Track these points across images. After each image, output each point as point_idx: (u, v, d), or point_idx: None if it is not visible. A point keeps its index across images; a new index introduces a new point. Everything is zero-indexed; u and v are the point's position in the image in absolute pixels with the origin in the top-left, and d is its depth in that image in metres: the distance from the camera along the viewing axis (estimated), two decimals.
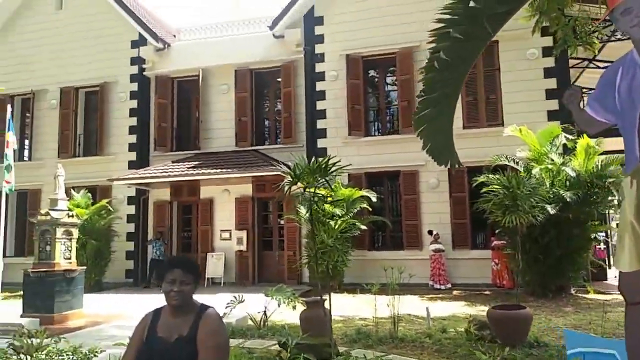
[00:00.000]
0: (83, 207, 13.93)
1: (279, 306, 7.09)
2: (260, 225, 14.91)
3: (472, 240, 13.00)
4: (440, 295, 11.22)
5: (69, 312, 8.07)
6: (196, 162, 14.49)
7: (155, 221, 15.48)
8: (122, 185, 15.19)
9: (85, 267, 9.16)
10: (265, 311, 7.35)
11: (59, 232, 8.07)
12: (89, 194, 14.62)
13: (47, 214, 8.05)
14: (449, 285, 12.21)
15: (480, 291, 11.58)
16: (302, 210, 10.71)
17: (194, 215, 15.79)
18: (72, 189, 14.58)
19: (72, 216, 8.41)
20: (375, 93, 15.26)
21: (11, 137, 11.53)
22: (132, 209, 15.67)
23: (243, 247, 14.42)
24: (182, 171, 14.12)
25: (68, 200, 14.07)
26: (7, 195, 11.69)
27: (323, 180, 4.57)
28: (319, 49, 14.53)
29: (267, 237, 14.99)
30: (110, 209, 14.51)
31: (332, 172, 4.31)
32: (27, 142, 17.49)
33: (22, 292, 8.28)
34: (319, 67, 14.50)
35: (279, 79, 15.30)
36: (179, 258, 2.42)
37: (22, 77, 16.80)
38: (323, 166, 4.28)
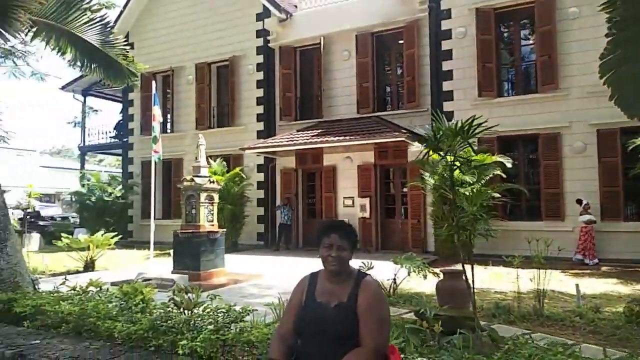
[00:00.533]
0: (219, 174, 14.99)
1: (409, 274, 6.94)
2: (382, 192, 14.79)
3: (624, 211, 11.52)
4: (587, 271, 10.16)
5: (213, 270, 8.78)
6: (319, 130, 14.69)
7: (282, 188, 16.17)
8: (251, 154, 16.06)
9: (225, 230, 9.85)
10: (394, 279, 7.26)
11: (202, 196, 8.75)
12: (224, 162, 15.67)
13: (192, 180, 8.75)
14: (596, 261, 11.01)
15: (633, 268, 10.28)
16: (428, 178, 10.30)
17: (317, 182, 16.19)
18: (209, 158, 15.79)
19: (213, 182, 9.05)
20: (508, 49, 13.98)
21: (157, 111, 12.67)
22: (261, 177, 16.55)
23: (366, 214, 14.44)
24: (305, 139, 14.43)
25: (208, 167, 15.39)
26: (155, 163, 12.96)
27: (464, 143, 4.20)
28: (444, 4, 13.64)
29: (389, 205, 14.83)
30: (243, 176, 15.43)
31: (478, 133, 3.94)
32: (169, 116, 19.23)
33: (171, 251, 9.16)
34: (445, 25, 13.64)
35: (401, 41, 14.72)
36: (337, 222, 2.30)
37: (162, 56, 18.36)
38: (466, 128, 3.92)
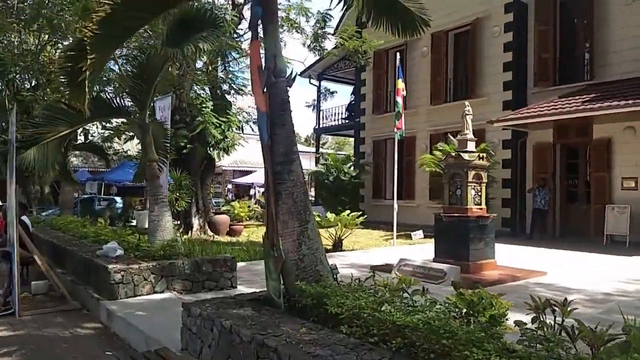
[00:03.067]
0: None
1: None
2: None
3: None
4: None
5: (482, 261, 7.48)
6: (589, 95, 11.91)
7: (534, 166, 13.85)
8: (496, 128, 14.14)
9: (495, 215, 8.41)
10: None
11: (470, 175, 7.48)
12: None
13: (458, 156, 7.55)
14: None
15: None
16: None
17: (582, 159, 13.37)
18: (449, 135, 14.48)
19: (482, 158, 7.69)
20: None
21: (401, 85, 11.86)
22: (507, 154, 14.49)
23: None
24: (571, 107, 11.85)
25: (448, 145, 14.10)
26: (396, 141, 12.22)
27: None
28: None
29: None
30: (492, 152, 13.64)
31: None
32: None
33: (412, 233, 8.13)
34: None
35: None
36: None
37: None
38: None
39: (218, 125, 13.33)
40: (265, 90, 3.74)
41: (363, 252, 10.96)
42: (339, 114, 22.60)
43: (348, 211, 11.57)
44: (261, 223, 19.86)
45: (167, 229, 6.65)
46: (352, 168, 17.77)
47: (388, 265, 7.89)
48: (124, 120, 9.86)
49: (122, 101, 6.45)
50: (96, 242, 7.90)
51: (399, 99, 11.82)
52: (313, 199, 24.00)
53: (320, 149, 41.35)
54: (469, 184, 7.54)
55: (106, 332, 5.01)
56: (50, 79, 18.40)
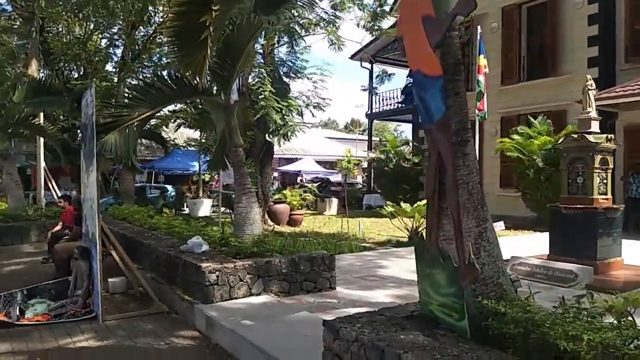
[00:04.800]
0: (544, 134, 12.35)
1: None
2: None
3: None
4: None
5: (610, 260, 6.45)
6: None
7: (626, 151, 12.50)
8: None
9: (623, 206, 7.31)
10: None
11: (597, 160, 6.42)
12: (549, 121, 12.88)
13: (582, 137, 6.49)
14: None
15: None
16: None
17: None
18: (523, 117, 13.33)
19: (610, 140, 6.60)
20: None
21: (482, 61, 10.75)
22: None
23: None
24: None
25: (529, 128, 12.92)
26: (478, 122, 11.16)
27: None
28: None
29: None
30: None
31: None
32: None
33: (548, 230, 7.15)
34: None
35: None
36: None
37: None
38: None
39: (279, 110, 12.57)
40: (436, 48, 2.86)
41: None
42: (393, 97, 21.50)
43: (425, 201, 10.61)
44: (315, 212, 19.15)
45: (256, 222, 5.93)
46: (412, 154, 16.74)
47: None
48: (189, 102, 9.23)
49: (204, 80, 5.71)
50: (170, 235, 7.30)
51: (481, 77, 10.73)
52: (363, 186, 23.11)
53: (360, 136, 40.27)
54: (594, 171, 6.48)
55: (208, 344, 4.30)
56: (97, 68, 18.16)
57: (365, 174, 27.80)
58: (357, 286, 5.91)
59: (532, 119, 12.92)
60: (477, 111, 10.82)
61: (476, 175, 3.06)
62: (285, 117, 13.02)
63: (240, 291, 5.02)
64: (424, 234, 3.19)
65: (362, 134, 46.48)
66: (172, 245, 6.25)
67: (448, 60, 2.96)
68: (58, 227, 8.33)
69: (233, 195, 15.99)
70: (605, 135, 6.64)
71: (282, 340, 3.79)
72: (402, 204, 10.81)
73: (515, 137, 12.71)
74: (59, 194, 13.11)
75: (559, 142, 7.35)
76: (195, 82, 5.50)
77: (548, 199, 12.19)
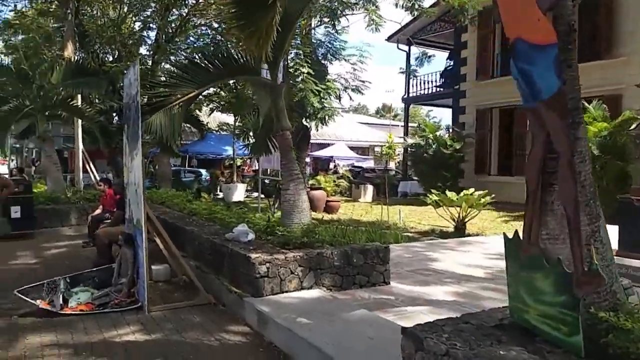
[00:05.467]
0: (600, 120, 11.59)
1: None
2: None
3: None
4: None
5: None
6: None
7: None
8: (636, 93, 11.97)
9: None
10: None
11: None
12: (604, 106, 12.08)
13: None
14: None
15: None
16: None
17: None
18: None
19: None
20: None
21: None
22: None
23: None
24: None
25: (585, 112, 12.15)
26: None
27: None
28: None
29: None
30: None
31: None
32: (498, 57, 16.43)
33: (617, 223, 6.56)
34: None
35: None
36: None
37: None
38: None
39: (317, 92, 12.14)
40: (547, 11, 2.41)
41: (497, 237, 9.47)
42: (431, 81, 20.76)
43: (472, 189, 10.09)
44: (349, 199, 18.76)
45: (304, 211, 5.59)
46: (453, 140, 16.09)
47: None
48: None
49: (250, 58, 5.35)
50: (211, 221, 7.05)
51: None
52: (396, 172, 22.54)
53: (393, 121, 39.52)
54: None
55: (261, 341, 4.00)
56: (131, 51, 18.08)
57: (398, 160, 27.21)
58: (411, 281, 5.52)
59: (586, 104, 12.13)
60: None
61: (589, 164, 2.60)
62: (322, 100, 12.60)
63: (291, 284, 4.71)
64: (520, 232, 2.75)
65: (393, 119, 45.66)
66: (216, 233, 5.99)
67: (560, 26, 2.51)
68: (98, 211, 8.22)
69: (267, 181, 15.81)
70: None
71: (343, 341, 3.45)
72: (447, 192, 10.31)
73: None
74: (97, 177, 13.13)
75: (632, 127, 6.72)
76: (243, 60, 5.14)
77: (603, 189, 11.49)
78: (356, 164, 27.83)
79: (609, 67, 13.09)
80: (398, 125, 35.29)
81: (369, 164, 30.77)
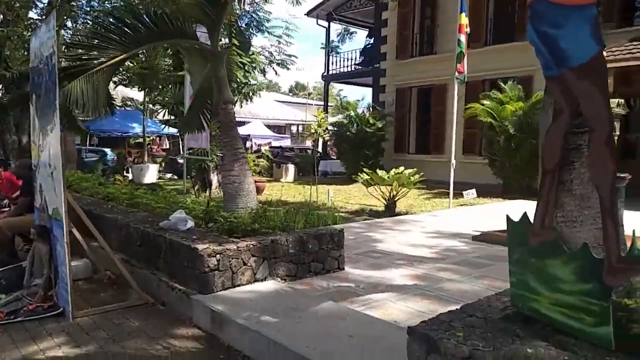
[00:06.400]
0: (516, 100, 12.20)
1: None
2: None
3: None
4: None
5: None
6: None
7: None
8: None
9: None
10: None
11: None
12: (519, 86, 12.72)
13: None
14: None
15: None
16: None
17: None
18: (488, 83, 13.08)
19: None
20: None
21: (464, 20, 10.18)
22: None
23: None
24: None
25: (501, 93, 12.66)
26: (457, 86, 10.69)
27: None
28: None
29: None
30: None
31: None
32: (424, 36, 16.73)
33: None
34: None
35: None
36: None
37: None
38: None
39: (241, 66, 11.41)
40: None
41: (428, 215, 9.60)
42: (350, 59, 20.69)
43: (402, 168, 10.11)
44: (270, 179, 18.24)
45: (251, 193, 5.06)
46: (375, 119, 16.15)
47: (487, 234, 6.57)
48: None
49: (187, 21, 4.63)
50: (132, 207, 6.26)
51: (462, 37, 10.18)
52: (313, 151, 22.37)
53: (310, 100, 39.31)
54: None
55: (218, 345, 3.50)
56: (19, 15, 15.85)
57: (314, 139, 27.08)
58: (364, 265, 5.27)
59: (502, 84, 12.70)
60: (457, 74, 10.33)
61: None
62: (247, 74, 11.90)
63: (244, 277, 4.21)
64: (531, 215, 2.52)
65: (306, 97, 45.38)
66: (145, 221, 5.28)
67: None
68: None
69: (180, 160, 14.67)
70: None
71: (321, 342, 3.06)
72: (378, 171, 10.24)
73: (486, 102, 12.45)
74: None
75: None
76: (179, 22, 4.43)
77: (517, 166, 12.16)
78: (274, 142, 27.28)
79: (522, 49, 13.75)
80: (312, 104, 35.14)
81: (286, 142, 30.35)
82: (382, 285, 4.49)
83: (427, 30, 16.80)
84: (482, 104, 12.37)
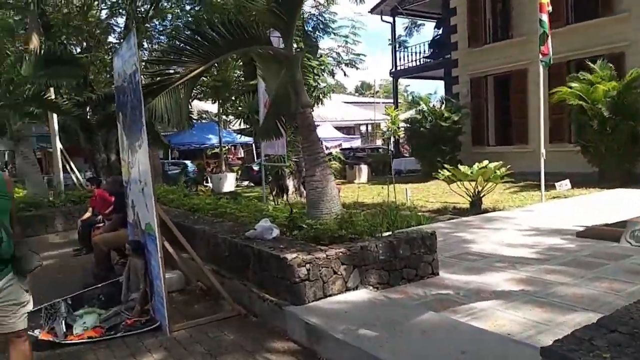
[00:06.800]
0: (607, 80, 11.13)
1: None
2: None
3: None
4: None
5: None
6: None
7: None
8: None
9: None
10: None
11: None
12: (610, 65, 11.60)
13: None
14: None
15: None
16: None
17: None
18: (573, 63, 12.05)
19: None
20: None
21: None
22: None
23: None
24: None
25: (591, 74, 11.64)
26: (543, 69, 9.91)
27: None
28: None
29: None
30: None
31: None
32: (498, 20, 15.81)
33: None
34: None
35: None
36: None
37: None
38: None
39: (311, 69, 11.35)
40: None
41: (519, 210, 8.98)
42: (417, 53, 20.08)
43: (486, 161, 9.53)
44: (344, 180, 18.11)
45: (334, 198, 4.90)
46: (455, 112, 15.44)
47: (594, 229, 5.90)
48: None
49: (259, 26, 4.56)
50: (218, 217, 6.32)
51: (544, 17, 9.43)
52: (386, 150, 21.91)
53: (378, 98, 38.83)
54: None
55: None
56: (100, 40, 16.91)
57: (385, 137, 26.60)
58: (460, 269, 4.92)
59: (591, 64, 11.65)
60: (540, 56, 9.59)
61: None
62: (316, 77, 11.83)
63: (334, 286, 4.04)
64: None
65: (373, 96, 44.89)
66: (232, 231, 5.26)
67: None
68: (88, 214, 7.40)
69: (255, 168, 14.91)
70: None
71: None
72: (459, 166, 9.74)
73: (574, 84, 11.46)
74: (79, 177, 12.18)
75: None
76: (253, 29, 4.36)
77: (614, 152, 11.10)
78: (344, 144, 27.19)
79: (610, 24, 12.59)
80: (379, 102, 34.63)
81: (356, 143, 30.16)
82: (485, 292, 4.13)
83: (500, 14, 15.89)
84: (570, 87, 11.41)
